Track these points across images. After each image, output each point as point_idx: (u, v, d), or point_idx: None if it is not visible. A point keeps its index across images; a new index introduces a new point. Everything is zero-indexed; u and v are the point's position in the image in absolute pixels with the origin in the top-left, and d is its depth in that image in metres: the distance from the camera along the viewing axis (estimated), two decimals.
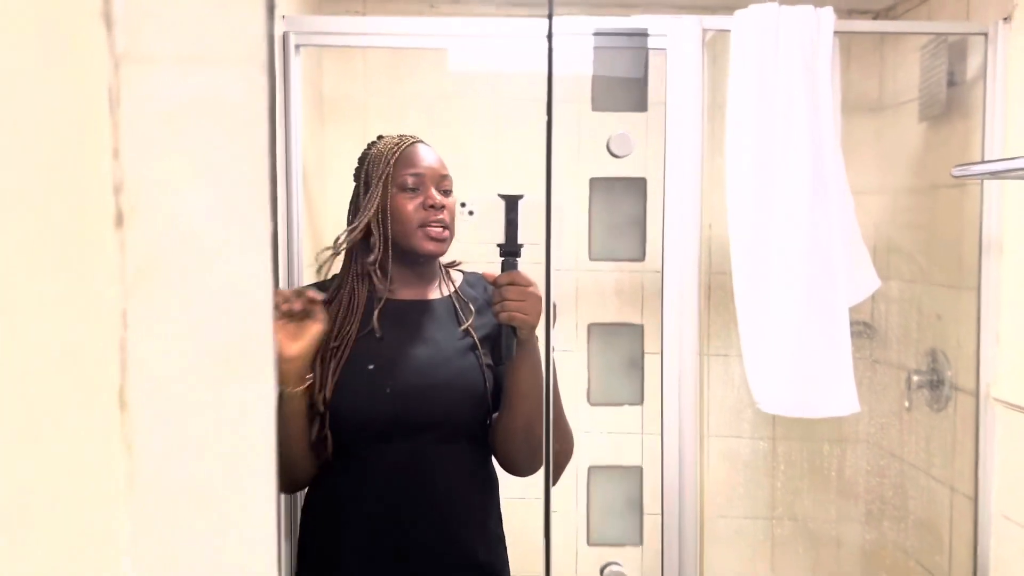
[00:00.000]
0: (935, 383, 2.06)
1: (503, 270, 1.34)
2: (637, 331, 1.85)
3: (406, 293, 1.45)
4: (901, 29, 2.05)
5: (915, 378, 2.10)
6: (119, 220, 0.59)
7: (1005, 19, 1.77)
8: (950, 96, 1.94)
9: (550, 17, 0.53)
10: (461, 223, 1.51)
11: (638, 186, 1.81)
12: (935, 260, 2.09)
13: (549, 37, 0.62)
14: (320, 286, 1.44)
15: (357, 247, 1.44)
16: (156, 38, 0.59)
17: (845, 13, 1.76)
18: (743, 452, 2.41)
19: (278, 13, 1.74)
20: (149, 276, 0.60)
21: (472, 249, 1.57)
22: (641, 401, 1.83)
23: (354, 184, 1.48)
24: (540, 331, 1.34)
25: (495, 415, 1.44)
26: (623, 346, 1.84)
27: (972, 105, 1.89)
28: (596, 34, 1.78)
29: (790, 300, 1.75)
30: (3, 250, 0.48)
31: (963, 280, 1.94)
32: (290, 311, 1.30)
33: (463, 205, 1.37)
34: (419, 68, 2.30)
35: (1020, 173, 1.43)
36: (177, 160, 0.59)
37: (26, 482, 0.49)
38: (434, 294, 1.47)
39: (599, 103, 1.82)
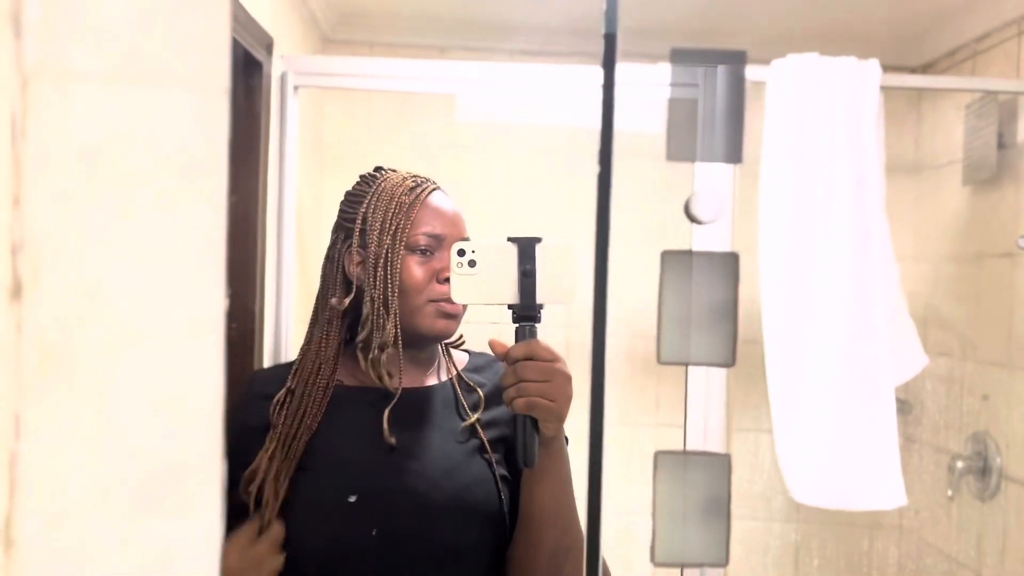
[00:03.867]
0: (982, 470, 1.87)
1: (517, 339, 0.95)
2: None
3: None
4: (952, 85, 1.92)
5: (959, 464, 1.91)
6: (16, 291, 0.43)
7: None
8: (1000, 159, 1.79)
9: (607, 66, 0.40)
10: (457, 279, 1.07)
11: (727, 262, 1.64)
12: (982, 335, 1.92)
13: (607, 86, 0.46)
14: (274, 374, 1.14)
15: (336, 320, 1.08)
16: (79, 49, 0.44)
17: (882, 68, 1.63)
18: (766, 537, 2.21)
19: (277, 52, 1.61)
20: (53, 368, 0.44)
21: (471, 314, 1.15)
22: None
23: (338, 227, 1.12)
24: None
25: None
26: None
27: None
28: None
29: (830, 376, 1.58)
30: None
31: (1015, 358, 1.77)
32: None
33: (460, 253, 0.95)
34: (426, 114, 2.16)
35: None
36: (98, 212, 0.43)
37: None
38: (431, 379, 1.12)
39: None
